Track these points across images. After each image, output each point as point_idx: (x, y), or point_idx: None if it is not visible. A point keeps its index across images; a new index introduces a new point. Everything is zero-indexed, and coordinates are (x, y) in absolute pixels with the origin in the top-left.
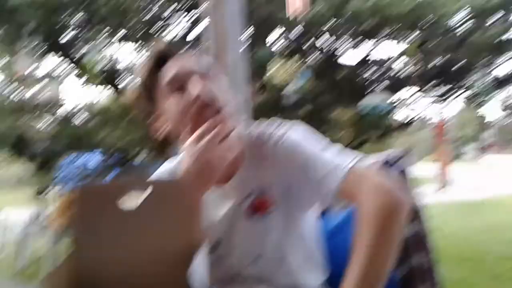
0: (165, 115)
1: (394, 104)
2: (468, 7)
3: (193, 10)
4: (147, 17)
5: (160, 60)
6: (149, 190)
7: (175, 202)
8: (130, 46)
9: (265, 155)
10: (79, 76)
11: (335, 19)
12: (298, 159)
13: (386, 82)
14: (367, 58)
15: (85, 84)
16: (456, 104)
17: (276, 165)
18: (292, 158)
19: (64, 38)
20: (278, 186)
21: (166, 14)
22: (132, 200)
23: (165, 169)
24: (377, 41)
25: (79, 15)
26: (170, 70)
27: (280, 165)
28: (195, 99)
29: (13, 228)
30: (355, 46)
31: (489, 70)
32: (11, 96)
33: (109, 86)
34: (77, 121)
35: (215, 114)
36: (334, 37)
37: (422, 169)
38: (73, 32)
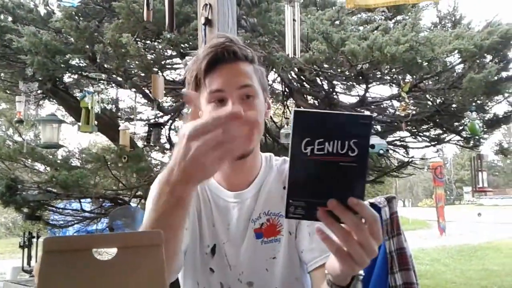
0: (202, 112)
1: (391, 145)
2: (460, 49)
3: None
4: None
5: (210, 64)
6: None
7: (146, 255)
8: (127, 91)
9: None
10: (76, 120)
11: (329, 60)
12: None
13: (380, 125)
14: (361, 101)
15: (82, 129)
16: (452, 146)
17: None
18: None
19: (64, 83)
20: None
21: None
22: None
23: None
24: (370, 83)
25: (77, 60)
26: (216, 81)
27: None
28: None
29: None
30: (348, 89)
31: (484, 111)
32: (7, 141)
33: (106, 130)
34: (71, 166)
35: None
36: (325, 81)
37: (420, 212)
38: (72, 77)
